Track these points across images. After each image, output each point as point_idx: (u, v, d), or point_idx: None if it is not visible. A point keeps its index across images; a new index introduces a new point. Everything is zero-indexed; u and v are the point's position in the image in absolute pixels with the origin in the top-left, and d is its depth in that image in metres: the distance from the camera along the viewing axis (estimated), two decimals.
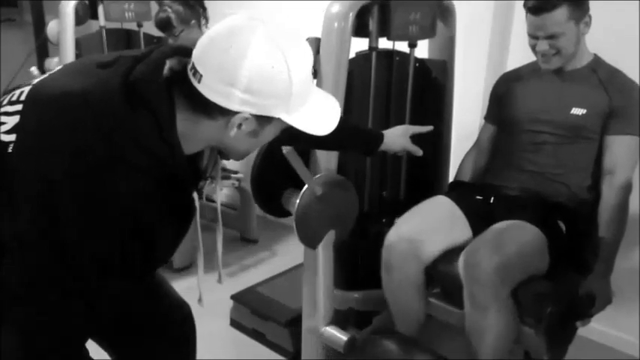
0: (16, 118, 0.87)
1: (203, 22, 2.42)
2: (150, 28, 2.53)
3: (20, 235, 0.84)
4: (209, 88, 0.84)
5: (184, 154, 0.90)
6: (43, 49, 2.74)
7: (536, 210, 1.51)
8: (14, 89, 0.93)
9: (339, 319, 1.69)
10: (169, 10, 2.30)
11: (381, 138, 1.50)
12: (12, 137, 0.85)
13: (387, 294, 1.59)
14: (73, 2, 2.27)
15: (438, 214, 1.57)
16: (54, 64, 2.55)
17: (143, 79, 0.86)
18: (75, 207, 0.82)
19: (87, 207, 0.82)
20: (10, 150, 0.85)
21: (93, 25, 2.64)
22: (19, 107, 0.88)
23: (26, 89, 0.91)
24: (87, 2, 2.39)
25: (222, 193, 2.59)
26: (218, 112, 0.86)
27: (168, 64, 0.87)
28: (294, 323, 1.89)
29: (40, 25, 2.80)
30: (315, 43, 1.59)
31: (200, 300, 1.18)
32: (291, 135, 0.96)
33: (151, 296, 1.17)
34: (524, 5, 1.52)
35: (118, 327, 1.10)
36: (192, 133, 0.89)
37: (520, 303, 1.41)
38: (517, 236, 1.42)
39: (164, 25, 2.32)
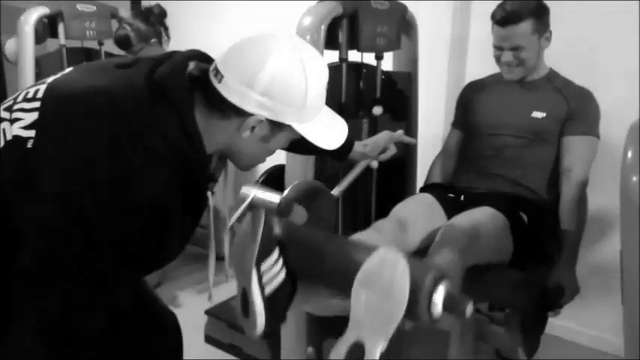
0: (34, 115, 0.88)
1: (165, 39, 2.41)
2: (111, 47, 2.50)
3: (45, 224, 0.84)
4: (228, 89, 0.88)
5: (204, 147, 0.91)
6: None
7: (501, 201, 1.57)
8: (27, 88, 0.93)
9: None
10: (128, 28, 2.28)
11: (351, 145, 1.50)
12: (31, 133, 0.86)
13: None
14: (33, 20, 2.23)
15: (418, 207, 1.61)
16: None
17: (167, 77, 0.89)
18: (98, 195, 0.83)
19: (110, 195, 0.83)
20: (29, 145, 0.85)
21: (49, 44, 2.58)
22: (36, 104, 0.89)
23: (42, 87, 0.92)
24: (46, 20, 2.35)
25: None
26: (233, 112, 0.89)
27: (191, 65, 0.91)
28: (271, 334, 1.88)
29: None
30: None
31: (210, 297, 1.20)
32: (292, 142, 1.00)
33: (144, 301, 1.17)
34: (492, 17, 1.62)
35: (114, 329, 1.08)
36: (205, 132, 0.91)
37: (493, 295, 1.45)
38: (483, 215, 1.48)
39: (123, 42, 2.29)
